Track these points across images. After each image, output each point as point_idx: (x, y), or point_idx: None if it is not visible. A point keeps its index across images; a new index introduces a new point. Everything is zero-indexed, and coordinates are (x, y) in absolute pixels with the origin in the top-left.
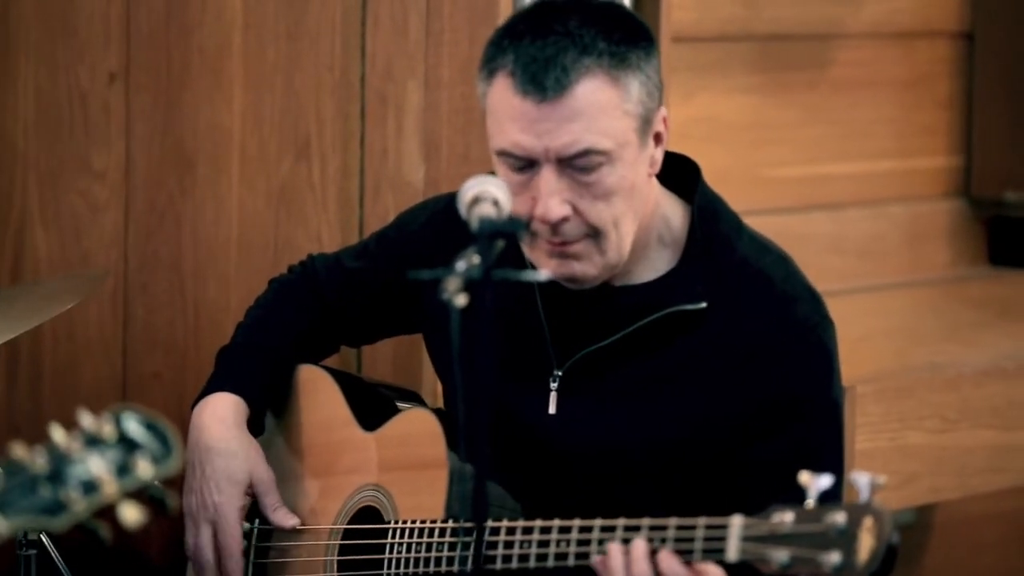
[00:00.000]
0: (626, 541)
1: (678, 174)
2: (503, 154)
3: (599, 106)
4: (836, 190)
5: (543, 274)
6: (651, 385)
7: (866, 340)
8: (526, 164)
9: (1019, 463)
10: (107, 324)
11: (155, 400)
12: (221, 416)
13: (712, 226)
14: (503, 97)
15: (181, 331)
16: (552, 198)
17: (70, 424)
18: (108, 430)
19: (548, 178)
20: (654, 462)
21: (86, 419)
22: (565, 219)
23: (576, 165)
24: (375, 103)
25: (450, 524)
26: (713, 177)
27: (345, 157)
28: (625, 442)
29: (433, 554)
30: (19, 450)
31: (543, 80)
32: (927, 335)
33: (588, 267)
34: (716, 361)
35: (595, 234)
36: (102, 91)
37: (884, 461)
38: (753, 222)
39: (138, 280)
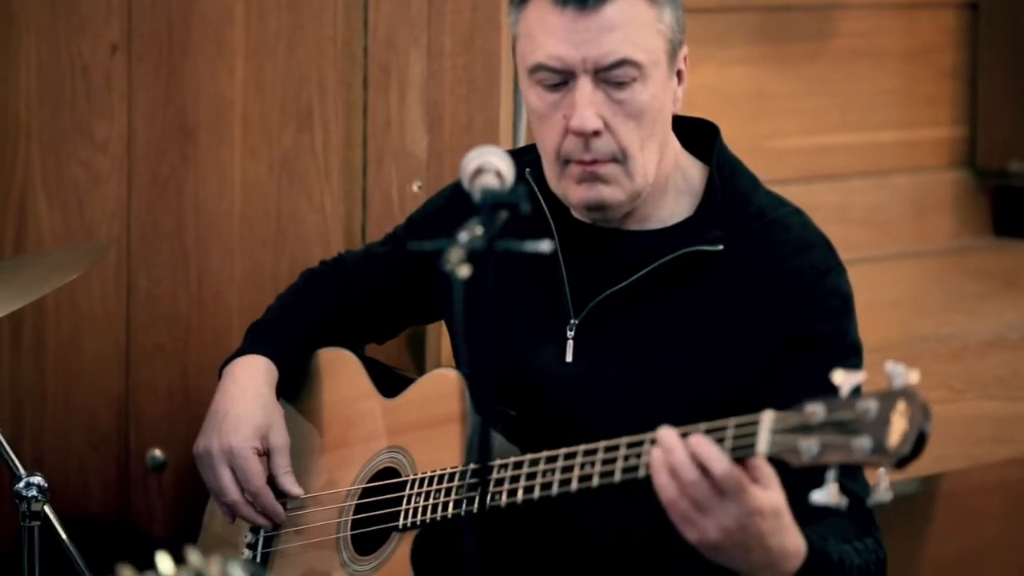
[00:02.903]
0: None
1: (697, 137)
2: (539, 69)
3: (636, 19)
4: (839, 161)
5: (546, 244)
6: (667, 330)
7: (870, 310)
8: (561, 81)
9: (1023, 433)
10: (110, 295)
11: (157, 372)
12: (252, 373)
13: (729, 181)
14: (540, 15)
15: (184, 302)
16: (588, 109)
17: (72, 396)
18: (215, 570)
19: (584, 90)
20: (671, 407)
21: (194, 556)
22: (597, 133)
23: (612, 78)
24: (378, 73)
25: (468, 467)
26: None
27: (348, 127)
28: (641, 388)
29: (452, 498)
30: (128, 573)
31: None
32: (931, 306)
33: (616, 191)
34: (732, 306)
35: (623, 157)
36: (104, 62)
37: None
38: None
39: (140, 251)
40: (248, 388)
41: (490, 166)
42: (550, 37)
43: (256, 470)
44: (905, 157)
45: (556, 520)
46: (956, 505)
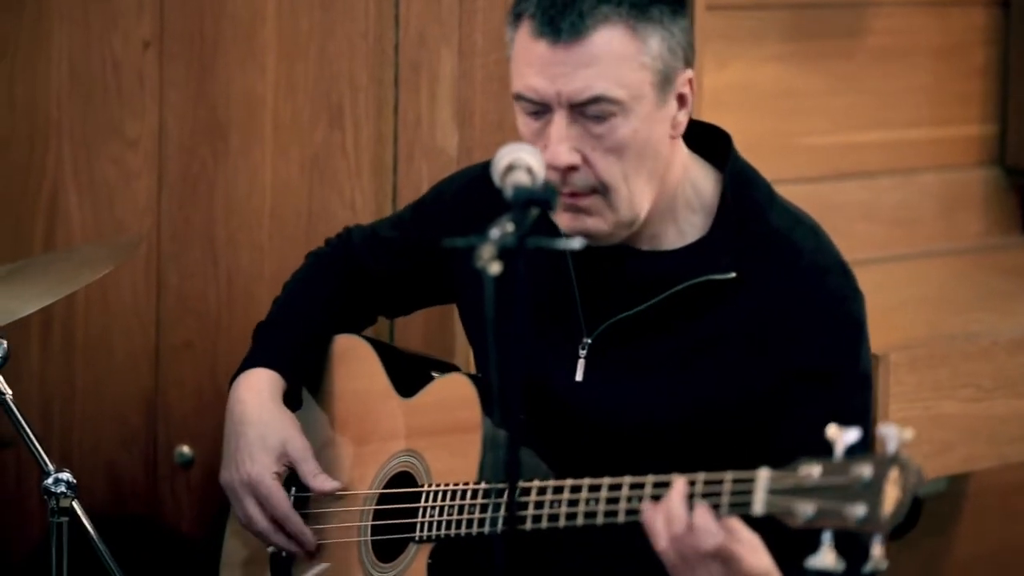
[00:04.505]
0: (656, 497)
1: (710, 143)
2: (519, 98)
3: (615, 55)
4: (869, 158)
5: (576, 242)
6: (679, 355)
7: (899, 309)
8: (541, 110)
9: None
10: (140, 292)
11: (187, 369)
12: (257, 389)
13: (744, 195)
14: (523, 41)
15: (214, 300)
16: (561, 144)
17: (101, 392)
18: None
19: (559, 124)
20: (679, 433)
21: None
22: (574, 168)
23: (588, 113)
24: (409, 70)
25: (481, 486)
26: (746, 145)
27: (379, 125)
28: (650, 412)
29: (465, 516)
30: None
31: (559, 23)
32: (960, 304)
33: (600, 223)
34: (745, 333)
35: (604, 189)
36: (135, 59)
37: (918, 430)
38: (785, 190)
39: (171, 248)
40: (255, 407)
41: (521, 163)
42: (529, 67)
43: (279, 496)
44: (935, 155)
45: (569, 542)
46: (985, 504)
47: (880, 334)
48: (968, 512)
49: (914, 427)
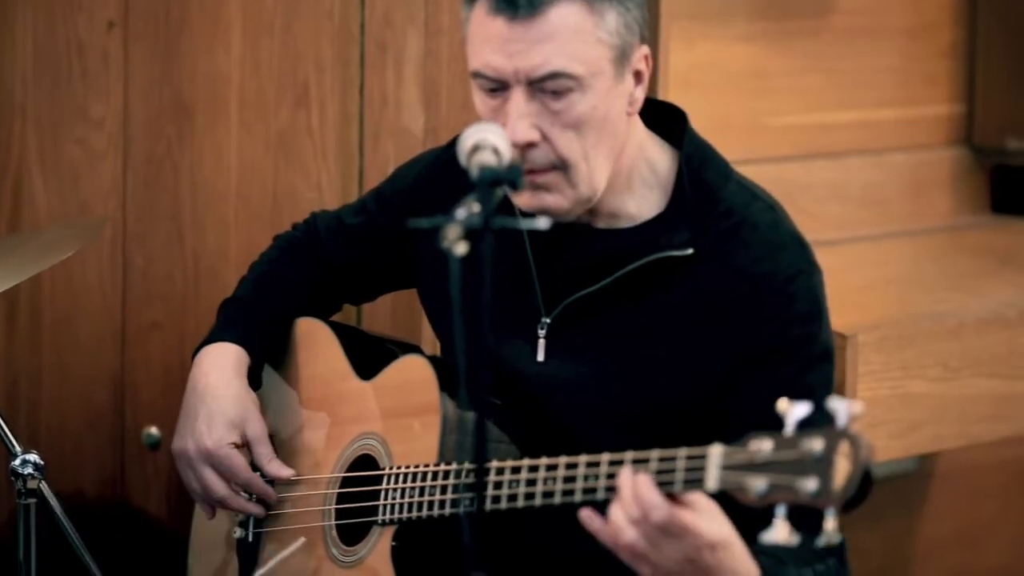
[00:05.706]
0: (612, 476)
1: (666, 122)
2: (477, 76)
3: (572, 30)
4: (838, 138)
5: (543, 222)
6: (638, 332)
7: (868, 289)
8: (499, 87)
9: (1021, 411)
10: (106, 273)
11: (153, 349)
12: (221, 364)
13: (700, 172)
14: (479, 19)
15: (180, 280)
16: (520, 121)
17: (68, 373)
18: None
19: (517, 100)
20: (641, 409)
21: None
22: (533, 145)
23: (546, 89)
24: (375, 50)
25: (442, 468)
26: (714, 125)
27: (344, 104)
28: (611, 390)
29: (426, 498)
30: None
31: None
32: (929, 284)
33: (560, 199)
34: (703, 308)
35: (564, 166)
36: (100, 39)
37: (886, 410)
38: (754, 170)
39: (137, 229)
40: (219, 382)
41: (487, 143)
42: (485, 45)
43: (240, 463)
44: (903, 135)
45: (530, 519)
46: (953, 484)
47: (848, 314)
48: (936, 491)
49: (882, 407)
